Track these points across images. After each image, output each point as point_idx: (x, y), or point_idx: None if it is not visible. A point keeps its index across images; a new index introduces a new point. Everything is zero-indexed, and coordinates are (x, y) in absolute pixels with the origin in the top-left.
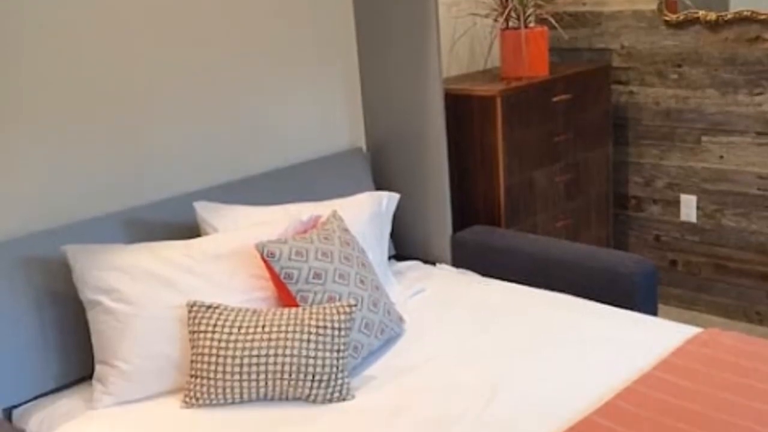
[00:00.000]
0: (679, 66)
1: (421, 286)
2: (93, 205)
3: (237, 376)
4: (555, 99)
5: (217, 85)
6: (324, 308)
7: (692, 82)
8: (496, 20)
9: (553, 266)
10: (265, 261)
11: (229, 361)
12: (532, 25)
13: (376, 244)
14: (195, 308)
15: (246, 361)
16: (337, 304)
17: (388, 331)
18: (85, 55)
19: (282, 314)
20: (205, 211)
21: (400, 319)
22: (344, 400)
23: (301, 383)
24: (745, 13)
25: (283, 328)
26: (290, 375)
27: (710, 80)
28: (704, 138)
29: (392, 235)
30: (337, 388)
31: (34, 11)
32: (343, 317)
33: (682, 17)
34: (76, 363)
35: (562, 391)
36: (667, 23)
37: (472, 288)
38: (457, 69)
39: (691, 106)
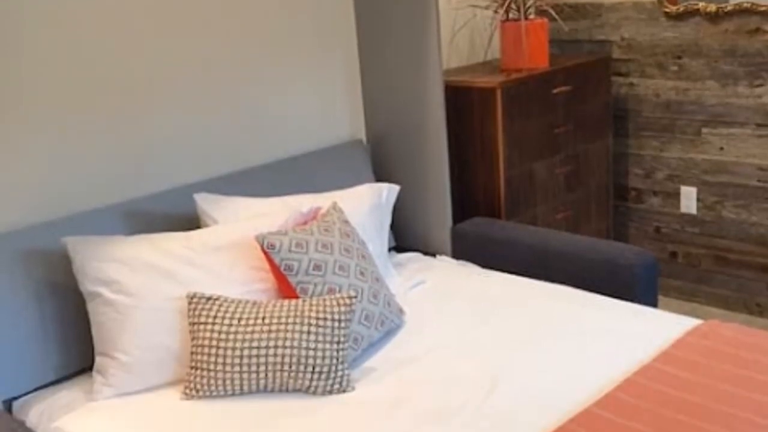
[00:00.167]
0: (680, 58)
1: (421, 277)
2: (93, 197)
3: (237, 368)
4: (555, 91)
5: (218, 77)
6: (324, 300)
7: (692, 74)
8: (496, 12)
9: (553, 258)
10: (265, 253)
11: (229, 352)
12: (532, 16)
13: (376, 235)
14: (195, 300)
15: (246, 352)
16: (337, 295)
17: (388, 322)
18: (86, 46)
19: (282, 306)
20: (205, 202)
21: (400, 311)
22: (344, 391)
23: (301, 375)
24: (745, 4)
25: (283, 320)
26: (290, 366)
27: (710, 72)
28: (704, 130)
29: (392, 226)
30: (337, 379)
31: (35, 2)
32: (343, 309)
33: (682, 9)
34: (76, 355)
35: (562, 382)
36: (668, 15)
37: (472, 280)
38: (457, 61)
39: (692, 97)
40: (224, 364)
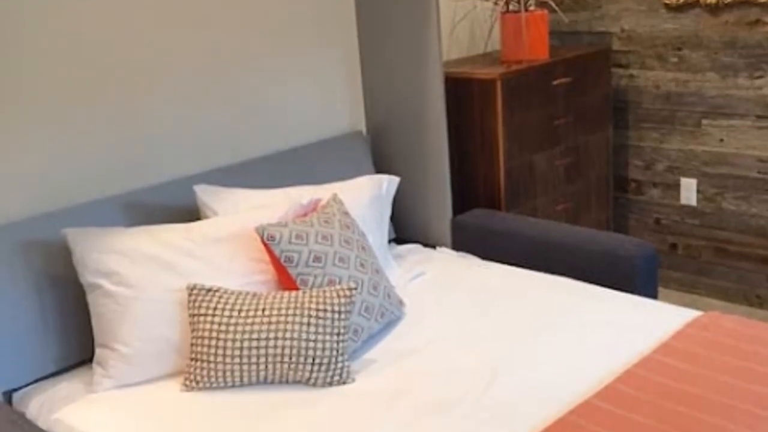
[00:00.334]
0: (680, 49)
1: (421, 269)
2: (93, 188)
3: (237, 360)
4: (555, 82)
5: (218, 68)
6: (324, 291)
7: (692, 66)
8: (496, 3)
9: (553, 249)
10: (265, 244)
11: (229, 344)
12: (532, 8)
13: (376, 227)
14: (195, 291)
15: (246, 344)
16: (337, 287)
17: (388, 314)
18: (86, 38)
19: (282, 297)
20: (205, 194)
21: (400, 303)
22: (344, 383)
23: (301, 366)
24: None
25: (283, 312)
26: (290, 358)
27: (710, 63)
28: (704, 121)
29: (392, 218)
30: (337, 371)
31: None
32: (343, 300)
33: (682, 0)
34: (76, 346)
35: (562, 374)
36: (668, 6)
37: (472, 271)
38: (458, 52)
39: (692, 89)
40: (224, 355)
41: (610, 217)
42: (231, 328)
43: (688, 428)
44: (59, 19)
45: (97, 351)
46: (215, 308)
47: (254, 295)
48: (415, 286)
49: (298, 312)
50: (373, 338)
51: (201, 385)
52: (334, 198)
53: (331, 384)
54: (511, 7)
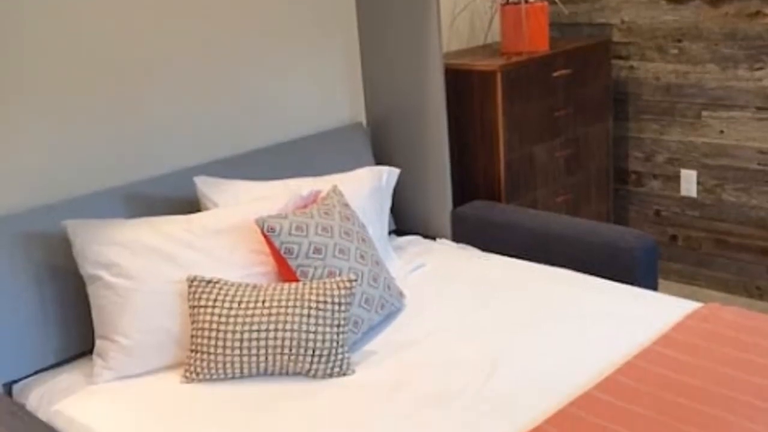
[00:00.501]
0: (680, 41)
1: (422, 261)
2: (93, 180)
3: (237, 351)
4: (555, 74)
5: (218, 60)
6: (324, 283)
7: (692, 57)
8: None
9: (553, 241)
10: (265, 236)
11: (229, 336)
12: (532, 0)
13: (376, 219)
14: (195, 283)
15: (246, 336)
16: (338, 279)
17: (389, 306)
18: (86, 31)
19: (282, 289)
20: (205, 185)
21: (401, 294)
22: (344, 375)
23: (301, 358)
24: None
25: (283, 303)
26: (290, 350)
27: (710, 55)
28: (704, 113)
29: (392, 210)
30: (338, 363)
31: None
32: (343, 292)
33: None
34: (77, 338)
35: (563, 366)
36: None
37: (472, 263)
38: (458, 44)
39: (692, 81)
40: (224, 347)
41: (610, 209)
42: (231, 320)
43: (688, 419)
44: (59, 12)
45: (98, 342)
46: (215, 300)
47: (254, 286)
48: (415, 277)
49: (298, 304)
50: (373, 330)
51: (201, 376)
52: (334, 190)
53: (331, 375)
54: None
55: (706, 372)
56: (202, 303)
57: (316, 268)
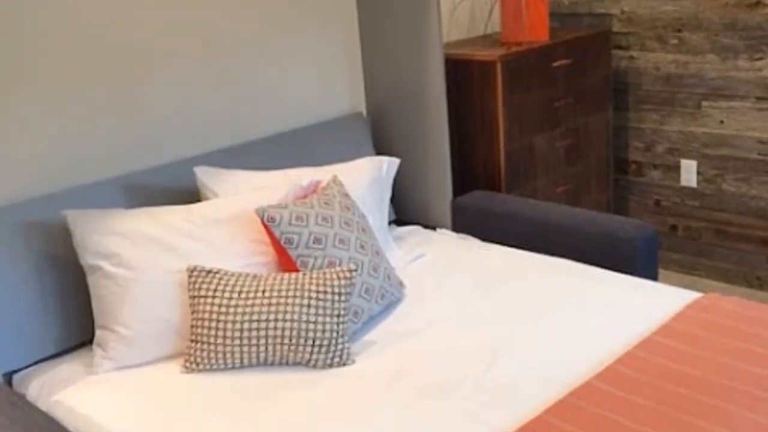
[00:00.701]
0: (680, 31)
1: (422, 251)
2: (93, 170)
3: (237, 341)
4: (555, 64)
5: (218, 49)
6: (324, 273)
7: (692, 47)
8: None
9: (553, 231)
10: (265, 226)
11: (229, 326)
12: None
13: (376, 209)
14: (195, 273)
15: (246, 326)
16: (338, 269)
17: (389, 296)
18: (86, 20)
19: (282, 279)
20: (205, 175)
21: (401, 284)
22: (344, 365)
23: (301, 348)
24: None
25: (283, 293)
26: (290, 340)
27: (710, 45)
28: (704, 103)
29: (392, 200)
30: (338, 353)
31: None
32: (343, 282)
33: None
34: (77, 328)
35: (562, 355)
36: None
37: (472, 253)
38: (458, 34)
39: (692, 71)
40: (224, 337)
41: (610, 199)
42: (231, 310)
43: (688, 410)
44: (59, 2)
45: (98, 333)
46: (215, 290)
47: (254, 276)
48: (415, 267)
49: (298, 294)
50: (373, 320)
51: (201, 366)
52: (334, 180)
53: (331, 365)
54: None
55: (706, 362)
56: (202, 293)
57: (316, 258)
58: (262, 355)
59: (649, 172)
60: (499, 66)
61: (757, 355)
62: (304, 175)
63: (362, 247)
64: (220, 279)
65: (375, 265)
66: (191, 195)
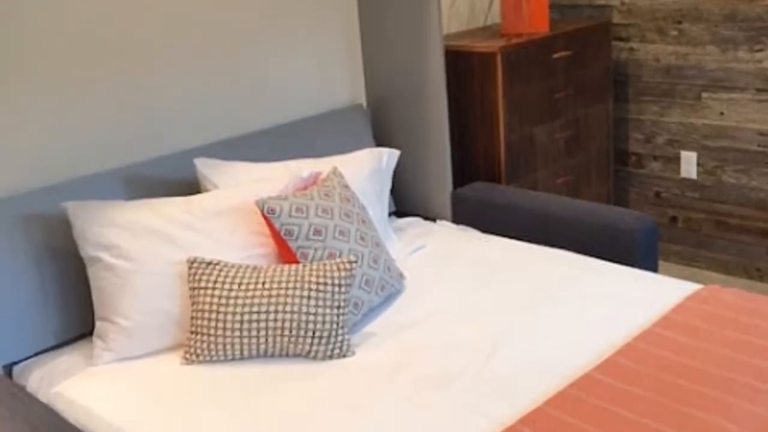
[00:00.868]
0: (680, 22)
1: (422, 242)
2: (93, 162)
3: (237, 333)
4: (555, 55)
5: (218, 41)
6: (324, 265)
7: (692, 39)
8: None
9: (553, 223)
10: (265, 217)
11: (229, 317)
12: None
13: (376, 200)
14: (195, 265)
15: (246, 317)
16: (338, 260)
17: (389, 287)
18: (86, 9)
19: (282, 271)
20: (205, 167)
21: (401, 276)
22: (344, 356)
23: (301, 340)
24: None
25: (283, 285)
26: (290, 331)
27: (710, 37)
28: (704, 94)
29: (392, 191)
30: (338, 344)
31: None
32: (343, 274)
33: None
34: (77, 319)
35: (562, 347)
36: None
37: (472, 244)
38: (458, 25)
39: (692, 62)
40: (224, 328)
41: (611, 191)
42: (231, 302)
43: (688, 401)
44: None
45: (98, 324)
46: (215, 281)
47: (254, 268)
48: (415, 259)
49: (298, 285)
50: (374, 311)
51: (201, 358)
52: (334, 171)
53: (331, 357)
54: None
55: (706, 353)
56: (202, 284)
57: (316, 249)
58: (262, 346)
59: (649, 164)
60: (499, 57)
61: (757, 346)
62: (304, 167)
63: (362, 238)
64: (220, 270)
65: (375, 256)
66: (191, 186)
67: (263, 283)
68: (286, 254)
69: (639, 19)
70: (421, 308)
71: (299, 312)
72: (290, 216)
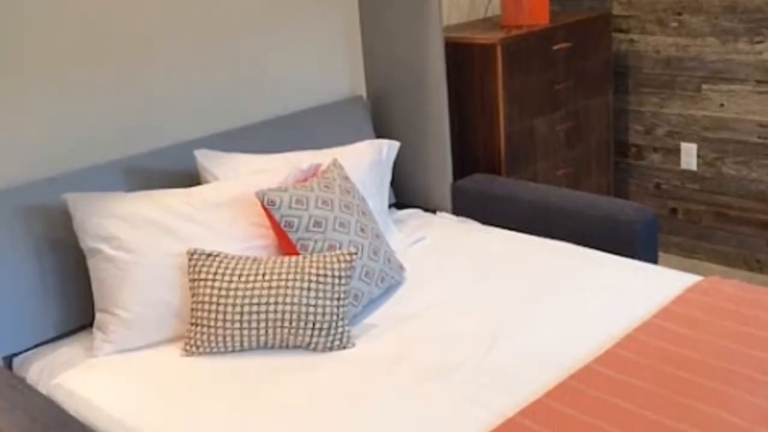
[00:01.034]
0: (680, 14)
1: (422, 234)
2: (93, 153)
3: (237, 324)
4: (555, 47)
5: (218, 33)
6: (324, 256)
7: (692, 30)
8: None
9: (553, 214)
10: (265, 209)
11: (229, 309)
12: None
13: (376, 192)
14: (195, 256)
15: (246, 309)
16: (338, 252)
17: (389, 279)
18: (87, 2)
19: (282, 262)
20: (205, 159)
21: (401, 268)
22: (344, 348)
23: (301, 331)
24: None
25: (283, 277)
26: (290, 323)
27: (710, 28)
28: (704, 86)
29: (392, 183)
30: (338, 336)
31: None
32: (343, 265)
33: None
34: (77, 311)
35: (562, 339)
36: None
37: (472, 236)
38: (458, 17)
39: (692, 54)
40: (224, 320)
41: (611, 182)
42: (231, 293)
43: (687, 393)
44: None
45: (98, 316)
46: (215, 273)
47: (254, 260)
48: (415, 250)
49: (298, 277)
50: (374, 303)
51: (201, 350)
52: (335, 163)
53: (331, 349)
54: None
55: (706, 345)
56: (203, 276)
57: (316, 241)
58: (262, 338)
59: (649, 156)
60: (499, 49)
61: (757, 338)
62: (304, 159)
63: (362, 230)
64: (220, 262)
65: (375, 248)
66: (191, 178)
67: (263, 275)
68: (286, 246)
69: (639, 11)
70: (421, 300)
71: (299, 303)
72: (290, 207)
